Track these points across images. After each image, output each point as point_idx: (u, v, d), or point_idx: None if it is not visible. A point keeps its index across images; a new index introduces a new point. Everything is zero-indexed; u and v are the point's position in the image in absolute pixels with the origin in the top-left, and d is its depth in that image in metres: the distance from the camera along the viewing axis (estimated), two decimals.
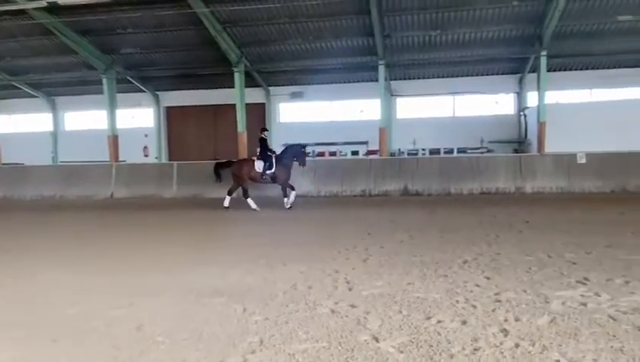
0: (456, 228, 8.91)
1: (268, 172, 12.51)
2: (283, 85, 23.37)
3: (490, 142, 20.45)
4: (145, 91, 24.55)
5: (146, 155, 24.94)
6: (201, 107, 24.39)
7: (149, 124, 25.52)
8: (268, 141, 13.04)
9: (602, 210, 10.96)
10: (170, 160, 24.02)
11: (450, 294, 4.97)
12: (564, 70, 21.00)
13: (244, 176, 12.63)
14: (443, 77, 21.98)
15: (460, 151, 19.80)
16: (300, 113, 24.19)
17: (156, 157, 24.92)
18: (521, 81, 21.54)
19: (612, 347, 3.66)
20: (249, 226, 10.07)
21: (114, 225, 10.73)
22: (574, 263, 6.11)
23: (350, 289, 5.22)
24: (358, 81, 22.57)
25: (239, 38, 18.99)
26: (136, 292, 5.24)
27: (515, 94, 21.95)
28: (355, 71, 21.53)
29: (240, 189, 12.86)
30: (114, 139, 20.22)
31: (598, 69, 20.79)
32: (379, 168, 15.86)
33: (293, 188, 12.66)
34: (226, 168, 13.08)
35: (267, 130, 13.18)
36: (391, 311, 4.51)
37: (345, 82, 22.74)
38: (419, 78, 22.29)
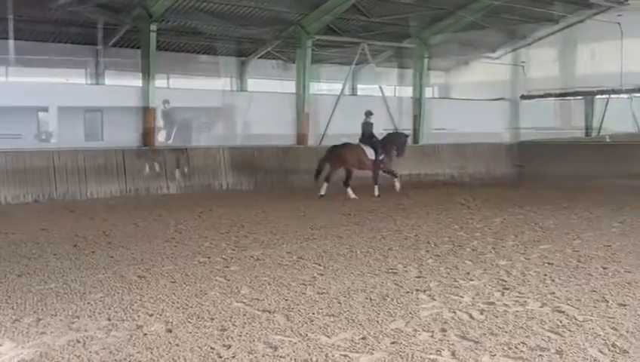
0: None
1: (380, 158, 15.45)
2: None
3: None
4: None
5: None
6: None
7: None
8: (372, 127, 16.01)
9: (18, 230, 11.05)
10: None
11: None
12: None
13: (354, 162, 15.22)
14: None
15: None
16: None
17: None
18: None
19: None
20: None
21: None
22: None
23: None
24: None
25: None
26: None
27: None
28: None
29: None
30: None
31: None
32: None
33: (396, 175, 16.19)
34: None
35: (373, 114, 16.13)
36: None
37: None
38: None
